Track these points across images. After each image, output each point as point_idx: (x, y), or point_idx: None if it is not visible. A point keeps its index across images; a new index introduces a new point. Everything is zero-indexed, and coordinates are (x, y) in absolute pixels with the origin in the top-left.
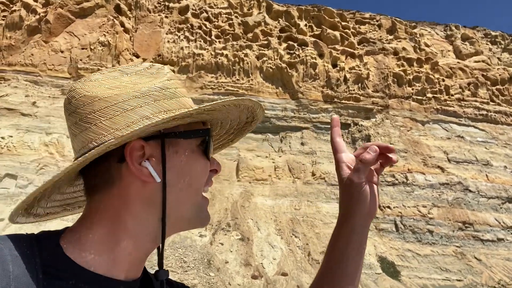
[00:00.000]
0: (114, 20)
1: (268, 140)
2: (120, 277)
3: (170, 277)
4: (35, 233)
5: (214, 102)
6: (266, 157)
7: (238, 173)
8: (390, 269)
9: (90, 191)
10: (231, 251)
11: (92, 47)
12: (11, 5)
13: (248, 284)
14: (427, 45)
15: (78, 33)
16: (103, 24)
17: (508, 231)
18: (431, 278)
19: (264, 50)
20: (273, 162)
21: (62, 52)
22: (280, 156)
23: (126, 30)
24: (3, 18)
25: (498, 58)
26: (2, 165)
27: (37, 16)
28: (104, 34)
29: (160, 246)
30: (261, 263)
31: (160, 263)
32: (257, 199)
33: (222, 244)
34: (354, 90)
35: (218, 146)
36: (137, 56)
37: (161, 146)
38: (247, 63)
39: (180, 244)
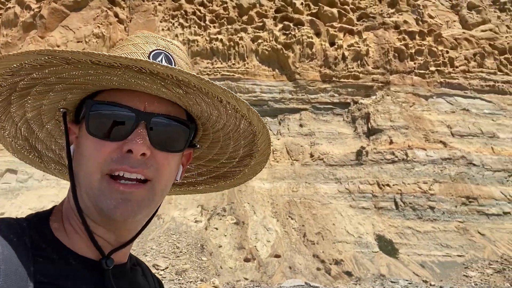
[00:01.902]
0: (108, 11)
1: (266, 123)
2: (93, 256)
3: (162, 263)
4: (24, 217)
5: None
6: None
7: None
8: (388, 247)
9: None
10: (225, 235)
11: (87, 40)
12: (6, 3)
13: (240, 267)
14: (431, 17)
15: (73, 27)
16: (97, 16)
17: None
18: (430, 255)
19: (260, 32)
20: (271, 145)
21: (58, 46)
22: (278, 139)
23: (120, 21)
24: None
25: (507, 25)
26: (3, 160)
27: (32, 12)
28: (98, 26)
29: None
30: (255, 246)
31: (99, 251)
32: (255, 183)
33: (216, 228)
34: (353, 67)
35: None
36: None
37: (64, 123)
38: (242, 46)
39: (175, 230)
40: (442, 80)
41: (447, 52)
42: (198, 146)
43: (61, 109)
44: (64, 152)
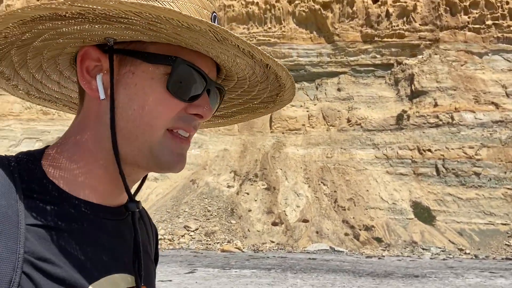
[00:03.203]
0: None
1: (303, 88)
2: (99, 201)
3: (192, 225)
4: (14, 154)
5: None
6: (301, 106)
7: (271, 124)
8: (424, 214)
9: (79, 98)
10: (256, 200)
11: None
12: None
13: (267, 230)
14: None
15: None
16: None
17: None
18: (471, 223)
19: None
20: (307, 111)
21: None
22: (315, 105)
23: None
24: None
25: None
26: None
27: None
28: None
29: (126, 176)
30: (284, 211)
31: (128, 195)
32: (289, 149)
33: (248, 193)
34: (397, 25)
35: (226, 114)
36: None
37: (109, 57)
38: (279, 9)
39: (208, 194)
40: (499, 35)
41: (507, 3)
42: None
43: (108, 39)
44: (67, 83)
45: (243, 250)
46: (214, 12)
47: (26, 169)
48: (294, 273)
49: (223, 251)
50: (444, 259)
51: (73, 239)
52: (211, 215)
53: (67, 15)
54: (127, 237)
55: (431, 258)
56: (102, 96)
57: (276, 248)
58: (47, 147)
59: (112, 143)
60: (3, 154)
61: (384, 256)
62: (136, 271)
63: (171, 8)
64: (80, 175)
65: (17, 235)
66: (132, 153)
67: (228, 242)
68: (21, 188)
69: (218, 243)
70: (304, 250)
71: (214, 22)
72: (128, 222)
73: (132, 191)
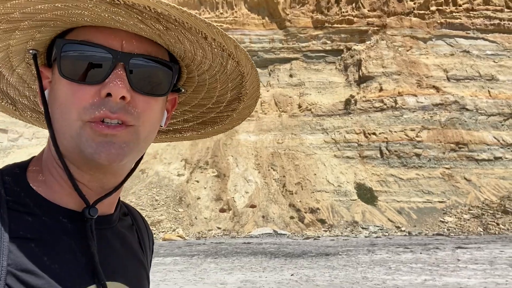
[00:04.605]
0: None
1: None
2: (76, 208)
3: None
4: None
5: None
6: None
7: None
8: (366, 195)
9: None
10: (205, 188)
11: None
12: None
13: (215, 217)
14: None
15: None
16: None
17: (508, 148)
18: (410, 202)
19: None
20: (260, 98)
21: None
22: (267, 91)
23: None
24: None
25: None
26: None
27: None
28: None
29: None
30: (233, 197)
31: (84, 200)
32: (241, 136)
33: (197, 181)
34: (347, 11)
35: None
36: None
37: (35, 67)
38: None
39: (156, 184)
40: (443, 20)
41: None
42: (182, 90)
43: (31, 51)
44: (39, 99)
45: (186, 238)
46: None
47: (13, 181)
48: (214, 258)
49: (164, 240)
50: (377, 237)
51: (55, 250)
52: (158, 204)
53: None
54: (114, 245)
55: (365, 237)
56: (42, 107)
57: (222, 234)
58: (33, 157)
59: (53, 145)
60: None
61: (319, 237)
62: (98, 282)
63: None
64: (58, 184)
65: (0, 248)
66: (68, 152)
67: (173, 230)
68: (6, 200)
69: (163, 232)
70: (248, 235)
71: None
72: (117, 229)
73: (108, 201)
